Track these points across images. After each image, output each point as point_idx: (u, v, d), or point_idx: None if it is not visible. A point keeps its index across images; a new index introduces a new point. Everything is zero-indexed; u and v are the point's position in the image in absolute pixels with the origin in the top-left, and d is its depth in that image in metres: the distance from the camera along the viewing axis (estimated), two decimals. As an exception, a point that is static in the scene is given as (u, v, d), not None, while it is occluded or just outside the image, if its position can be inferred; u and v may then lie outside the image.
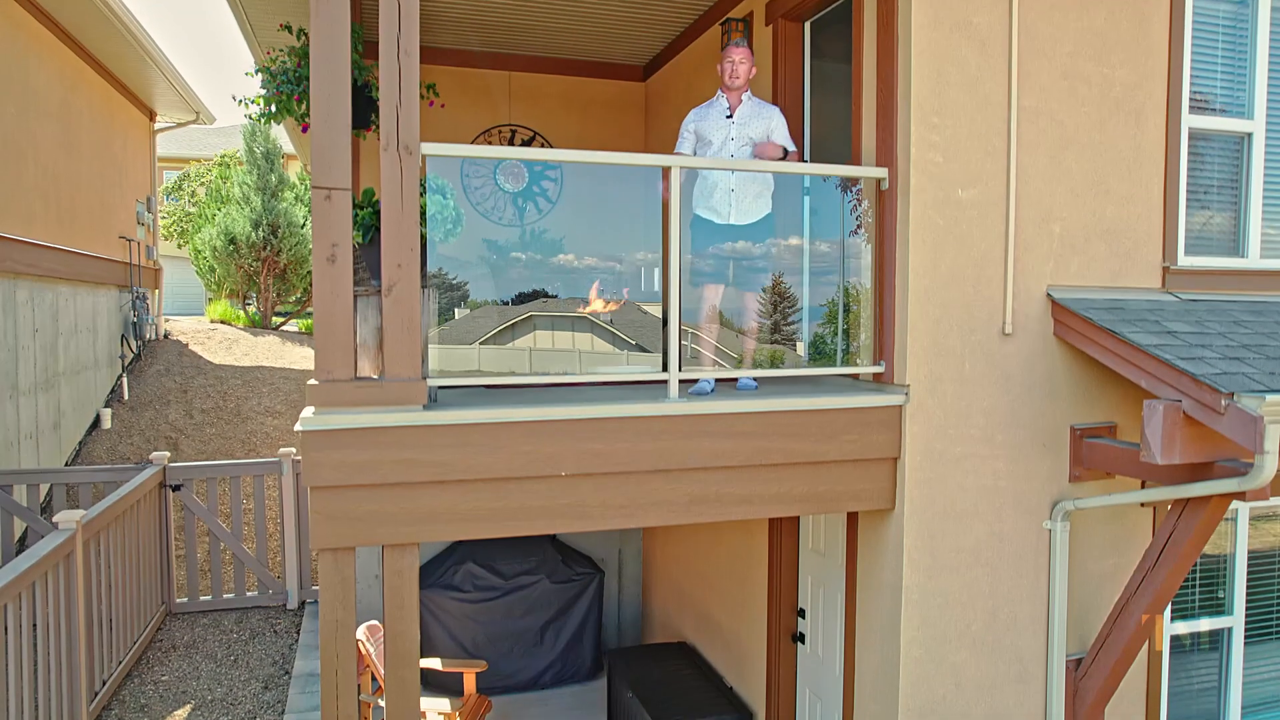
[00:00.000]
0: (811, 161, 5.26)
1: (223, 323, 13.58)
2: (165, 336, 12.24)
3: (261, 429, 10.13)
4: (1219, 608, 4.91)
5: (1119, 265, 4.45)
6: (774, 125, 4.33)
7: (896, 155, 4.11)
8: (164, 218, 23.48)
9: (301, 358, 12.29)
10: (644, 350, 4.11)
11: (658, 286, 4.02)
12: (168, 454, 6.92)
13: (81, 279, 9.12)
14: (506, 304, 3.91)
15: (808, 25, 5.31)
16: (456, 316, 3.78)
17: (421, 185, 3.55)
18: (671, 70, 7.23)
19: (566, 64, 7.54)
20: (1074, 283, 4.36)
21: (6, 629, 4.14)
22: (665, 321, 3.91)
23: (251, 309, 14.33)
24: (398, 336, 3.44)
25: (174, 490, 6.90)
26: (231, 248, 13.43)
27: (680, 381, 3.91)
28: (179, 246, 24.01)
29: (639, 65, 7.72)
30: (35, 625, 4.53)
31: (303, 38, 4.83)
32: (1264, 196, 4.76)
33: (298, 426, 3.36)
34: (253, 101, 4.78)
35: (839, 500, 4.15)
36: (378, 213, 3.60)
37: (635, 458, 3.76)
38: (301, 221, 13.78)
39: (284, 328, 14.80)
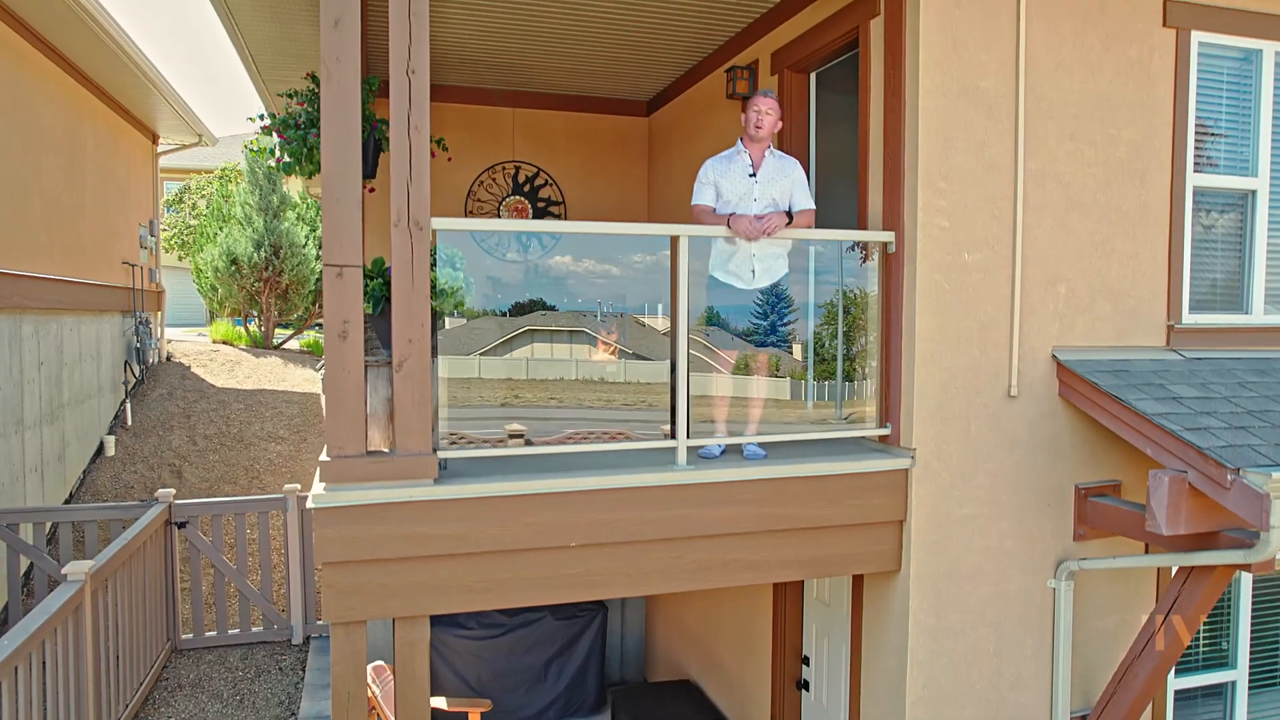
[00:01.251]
0: (817, 213, 5.28)
1: (225, 343, 13.59)
2: (168, 359, 12.25)
3: (265, 455, 10.14)
4: (1222, 660, 4.93)
5: (1124, 324, 4.48)
6: (795, 180, 4.15)
7: (903, 219, 4.13)
8: (165, 230, 23.51)
9: (304, 380, 12.30)
10: (644, 358, 4.12)
11: (661, 326, 3.99)
12: (173, 491, 6.93)
13: (85, 308, 9.14)
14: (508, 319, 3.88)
15: (813, 76, 5.34)
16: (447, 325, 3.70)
17: (431, 256, 3.57)
18: (675, 108, 7.25)
19: (571, 100, 7.57)
20: (1079, 343, 4.39)
21: (17, 685, 4.15)
22: (673, 389, 3.93)
23: (253, 327, 14.34)
24: (409, 411, 3.46)
25: (179, 527, 6.91)
26: (233, 268, 13.44)
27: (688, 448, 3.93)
28: (179, 259, 24.04)
29: (643, 101, 7.75)
30: (45, 664, 4.55)
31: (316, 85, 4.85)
32: (1268, 253, 4.78)
33: (309, 504, 3.38)
34: (270, 152, 4.78)
35: (845, 563, 4.17)
36: (388, 283, 3.61)
37: (643, 527, 3.78)
38: (304, 241, 13.80)
39: (286, 345, 14.81)
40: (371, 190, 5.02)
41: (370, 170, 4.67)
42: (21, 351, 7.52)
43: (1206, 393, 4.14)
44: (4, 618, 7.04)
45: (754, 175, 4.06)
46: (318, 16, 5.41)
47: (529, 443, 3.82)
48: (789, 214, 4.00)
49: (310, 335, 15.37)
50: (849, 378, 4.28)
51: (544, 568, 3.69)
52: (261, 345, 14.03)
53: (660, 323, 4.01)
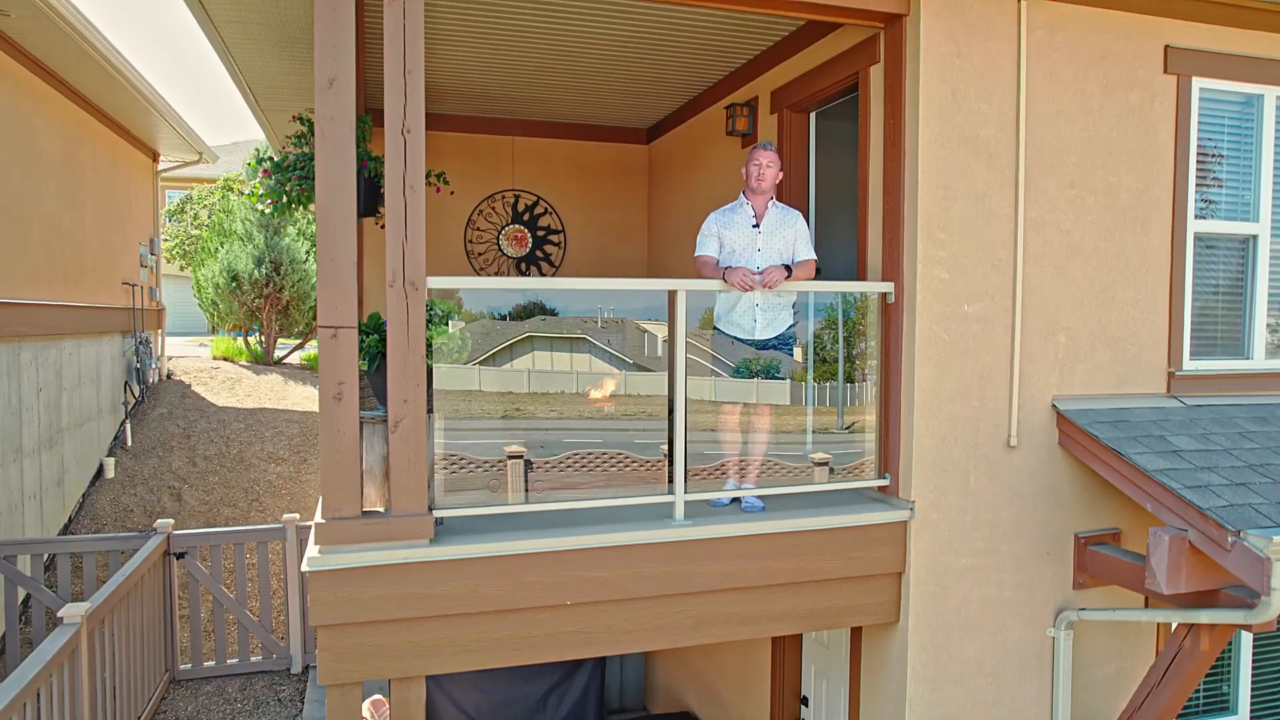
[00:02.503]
0: (819, 241, 5.26)
1: (225, 359, 13.59)
2: (168, 376, 12.25)
3: (264, 476, 10.13)
4: (1224, 705, 4.91)
5: (1124, 371, 4.45)
6: (798, 231, 4.14)
7: (903, 270, 4.11)
8: (167, 241, 23.52)
9: (304, 398, 12.29)
10: (644, 370, 4.11)
11: (660, 354, 3.98)
12: (171, 522, 6.92)
13: (85, 331, 9.14)
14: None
15: (813, 115, 5.32)
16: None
17: (428, 312, 3.55)
18: (675, 137, 7.23)
19: (571, 128, 7.55)
20: (1079, 391, 4.36)
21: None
22: (670, 442, 3.91)
23: (254, 341, 14.32)
24: (404, 471, 3.44)
25: (178, 558, 6.90)
26: (234, 284, 13.43)
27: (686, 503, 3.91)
28: (181, 269, 24.03)
29: (643, 128, 7.73)
30: (40, 710, 4.53)
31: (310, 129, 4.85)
32: (1269, 298, 4.75)
33: (304, 567, 3.36)
34: (262, 196, 4.77)
35: (844, 615, 4.15)
36: (384, 338, 3.59)
37: (641, 583, 3.76)
38: (304, 257, 13.80)
39: (288, 360, 14.79)
40: (382, 226, 5.02)
41: (369, 209, 4.64)
42: (20, 379, 7.52)
43: (1207, 445, 4.12)
44: (2, 647, 7.03)
45: (757, 226, 4.04)
46: (303, 45, 5.40)
47: (529, 468, 3.78)
48: (788, 267, 3.98)
49: (311, 349, 15.35)
50: (849, 379, 4.25)
51: (541, 626, 3.67)
52: (262, 361, 14.02)
53: (660, 329, 3.96)
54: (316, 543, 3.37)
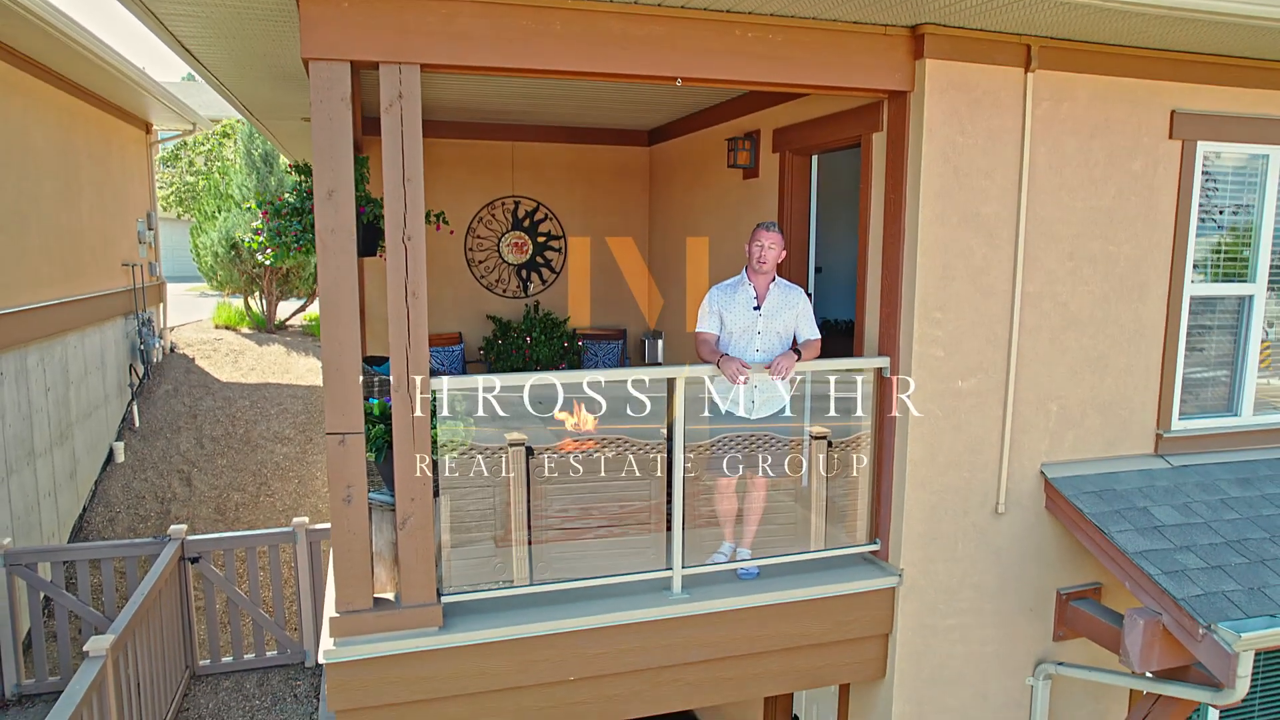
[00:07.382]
0: (815, 298, 5.30)
1: (227, 328, 13.65)
2: (171, 350, 12.33)
3: (271, 458, 10.33)
4: (1192, 737, 5.18)
5: (1113, 435, 4.55)
6: (800, 312, 4.13)
7: (899, 346, 4.17)
8: (162, 189, 23.26)
9: (306, 370, 12.40)
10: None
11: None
12: (185, 527, 7.12)
13: (88, 321, 9.19)
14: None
15: (815, 158, 5.28)
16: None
17: (433, 410, 3.63)
18: (676, 147, 7.15)
19: (570, 132, 7.45)
20: (1068, 456, 4.47)
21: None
22: (669, 521, 4.05)
23: (255, 304, 14.32)
24: (412, 564, 3.59)
25: (193, 563, 7.13)
26: (233, 253, 13.40)
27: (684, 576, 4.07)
28: (178, 217, 23.83)
29: (644, 131, 7.62)
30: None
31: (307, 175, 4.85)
32: (1259, 355, 4.81)
33: (320, 659, 3.54)
34: (262, 245, 4.80)
35: (833, 674, 4.36)
36: (389, 429, 3.69)
37: (640, 656, 3.95)
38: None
39: (290, 323, 14.83)
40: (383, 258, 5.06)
41: (369, 249, 4.64)
42: (29, 384, 7.62)
43: (1188, 517, 4.25)
44: (28, 643, 7.34)
45: (758, 309, 4.06)
46: (302, 82, 5.33)
47: (530, 455, 3.88)
48: (797, 351, 4.03)
49: (314, 310, 15.36)
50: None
51: (545, 700, 3.87)
52: (264, 327, 14.07)
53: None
54: (331, 635, 3.54)
